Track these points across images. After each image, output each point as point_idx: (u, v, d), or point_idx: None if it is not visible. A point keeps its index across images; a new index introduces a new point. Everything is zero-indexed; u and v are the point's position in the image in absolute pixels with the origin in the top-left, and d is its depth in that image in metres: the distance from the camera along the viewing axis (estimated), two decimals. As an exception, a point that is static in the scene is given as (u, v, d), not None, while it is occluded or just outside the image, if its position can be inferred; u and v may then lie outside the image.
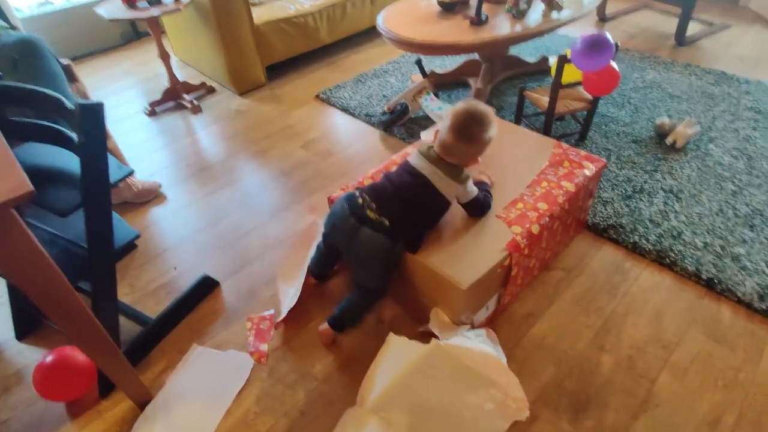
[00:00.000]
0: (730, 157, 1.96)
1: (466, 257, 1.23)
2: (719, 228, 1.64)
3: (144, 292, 1.60)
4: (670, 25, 3.10)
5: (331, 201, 1.50)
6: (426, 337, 1.31)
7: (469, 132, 1.21)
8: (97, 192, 1.10)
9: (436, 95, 2.30)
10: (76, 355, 1.27)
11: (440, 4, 2.27)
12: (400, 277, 1.35)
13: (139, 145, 2.35)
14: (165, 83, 2.65)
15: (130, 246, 1.35)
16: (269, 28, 2.63)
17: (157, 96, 2.62)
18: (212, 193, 2.01)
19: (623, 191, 1.82)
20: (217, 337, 1.44)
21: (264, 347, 1.39)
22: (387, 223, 1.21)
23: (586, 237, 1.68)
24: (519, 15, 2.16)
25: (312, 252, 1.57)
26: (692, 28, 2.97)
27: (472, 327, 1.30)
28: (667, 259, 1.54)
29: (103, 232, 1.14)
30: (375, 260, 1.24)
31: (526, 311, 1.45)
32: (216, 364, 1.37)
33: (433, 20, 2.20)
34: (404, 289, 1.39)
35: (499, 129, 1.69)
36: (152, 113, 2.57)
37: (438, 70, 2.63)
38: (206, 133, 2.41)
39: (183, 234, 1.82)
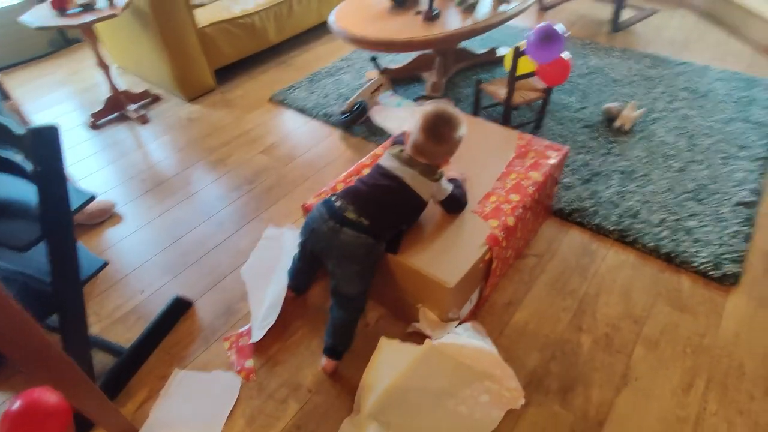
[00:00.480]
0: (673, 136, 2.10)
1: (449, 255, 1.25)
2: (671, 204, 1.76)
3: (111, 320, 1.51)
4: (605, 11, 3.27)
5: (305, 209, 1.47)
6: (415, 336, 1.33)
7: (440, 132, 1.25)
8: (59, 222, 1.03)
9: (394, 91, 2.30)
10: (46, 397, 1.18)
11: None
12: (384, 278, 1.35)
13: (85, 161, 2.19)
14: (105, 93, 2.48)
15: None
16: (214, 30, 2.53)
17: (98, 107, 2.45)
18: (172, 208, 1.91)
19: (582, 175, 1.91)
20: (198, 358, 1.39)
21: (250, 363, 1.35)
22: (367, 222, 1.21)
23: (553, 222, 1.75)
24: (468, 9, 2.19)
25: (283, 265, 1.55)
26: (625, 14, 3.14)
27: (460, 322, 1.33)
28: (629, 238, 1.64)
29: (68, 264, 1.06)
30: (357, 259, 1.22)
31: (506, 300, 1.49)
32: (201, 386, 1.32)
33: (385, 17, 2.19)
34: (388, 291, 1.39)
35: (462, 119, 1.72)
36: (95, 126, 2.40)
37: (392, 66, 2.63)
38: (158, 144, 2.29)
39: (146, 254, 1.72)
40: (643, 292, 1.49)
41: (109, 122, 2.46)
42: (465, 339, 1.21)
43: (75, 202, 1.07)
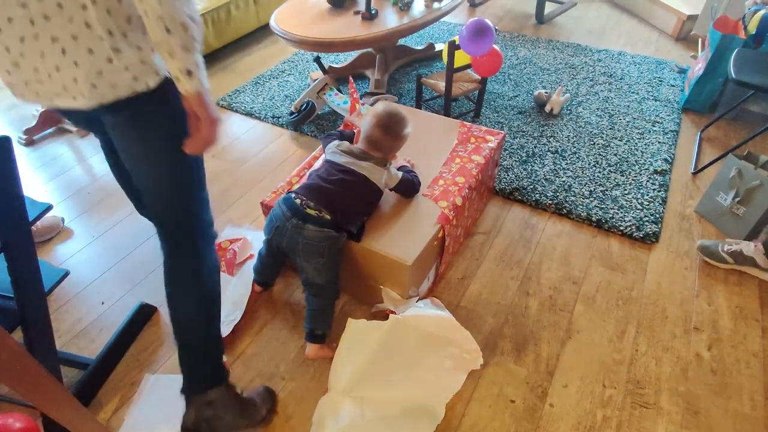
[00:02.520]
0: (596, 116, 2.32)
1: (405, 236, 1.35)
2: (598, 177, 1.95)
3: (72, 334, 1.49)
4: (530, 5, 3.49)
5: (264, 206, 1.52)
6: (380, 315, 1.42)
7: (395, 128, 1.41)
8: (18, 234, 1.02)
9: (339, 90, 2.37)
10: (11, 423, 1.17)
11: (329, 1, 2.34)
12: (346, 264, 1.42)
13: (24, 179, 2.10)
14: (38, 108, 2.38)
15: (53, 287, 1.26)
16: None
17: (31, 122, 2.35)
18: (125, 218, 1.89)
19: (519, 157, 2.07)
20: (169, 361, 1.41)
21: (223, 358, 1.39)
22: (329, 217, 1.28)
23: (496, 201, 1.89)
24: (405, 7, 2.30)
25: (244, 264, 1.60)
26: (547, 8, 3.38)
27: (420, 298, 1.43)
28: (564, 210, 1.81)
29: (30, 276, 1.06)
30: (322, 252, 1.30)
31: (460, 275, 1.61)
32: (175, 388, 1.33)
33: (325, 18, 2.26)
34: (351, 276, 1.47)
35: (408, 117, 1.84)
36: (30, 142, 2.31)
37: (335, 65, 2.70)
38: (102, 156, 2.23)
39: (102, 266, 1.70)
40: (579, 256, 1.65)
41: (46, 137, 2.36)
42: (426, 310, 1.31)
43: (33, 213, 1.07)
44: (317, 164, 1.59)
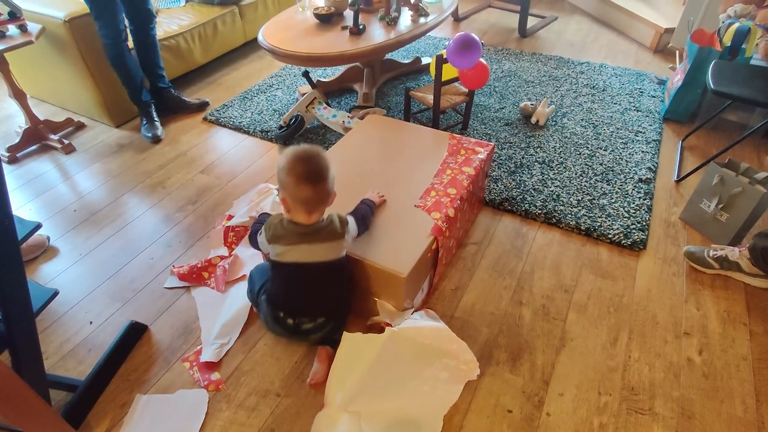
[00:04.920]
0: (581, 127, 2.37)
1: (399, 248, 1.35)
2: (585, 186, 1.99)
3: (60, 355, 1.45)
4: (512, 20, 3.58)
5: (226, 230, 1.62)
6: (376, 328, 1.42)
7: (317, 171, 1.16)
8: (6, 253, 1.00)
9: (328, 104, 2.39)
10: None
11: (317, 16, 2.36)
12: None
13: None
14: (21, 124, 2.35)
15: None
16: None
17: (14, 140, 2.31)
18: (113, 235, 1.86)
19: (508, 168, 2.10)
20: (161, 381, 1.38)
21: (216, 376, 1.37)
22: (323, 319, 1.32)
23: (487, 212, 1.91)
24: (392, 22, 2.34)
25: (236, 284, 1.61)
26: (530, 22, 3.46)
27: (414, 310, 1.43)
28: (553, 219, 1.83)
29: (19, 296, 1.04)
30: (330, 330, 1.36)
31: (453, 286, 1.62)
32: (167, 408, 1.31)
33: (313, 32, 2.28)
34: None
35: (397, 129, 1.86)
36: (14, 160, 2.27)
37: (324, 79, 2.72)
38: (89, 173, 2.20)
39: (90, 285, 1.67)
40: (570, 265, 1.67)
41: (30, 155, 2.33)
42: (422, 322, 1.31)
43: (22, 231, 1.05)
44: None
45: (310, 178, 1.14)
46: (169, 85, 2.58)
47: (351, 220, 1.31)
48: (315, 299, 1.31)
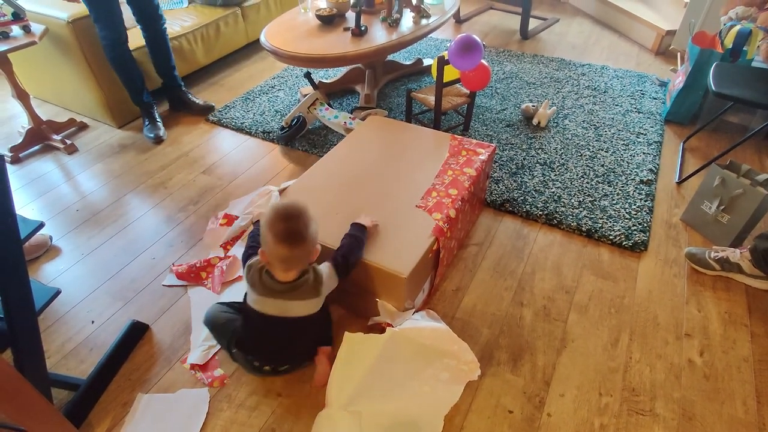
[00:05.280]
0: (582, 128, 2.37)
1: (400, 248, 1.35)
2: (586, 187, 1.99)
3: (62, 354, 1.46)
4: (514, 22, 3.58)
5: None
6: (377, 329, 1.42)
7: (296, 232, 1.13)
8: (9, 252, 1.01)
9: (329, 105, 2.39)
10: None
11: (319, 17, 2.37)
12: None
13: (9, 197, 2.07)
14: (24, 125, 2.36)
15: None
16: (141, 55, 2.48)
17: (17, 140, 2.32)
18: (115, 235, 1.87)
19: (509, 169, 2.10)
20: (162, 380, 1.38)
21: (219, 372, 1.37)
22: (284, 367, 1.34)
23: (488, 213, 1.91)
24: (393, 24, 2.34)
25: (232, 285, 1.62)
26: (531, 24, 3.46)
27: (415, 311, 1.43)
28: (555, 220, 1.84)
29: (22, 295, 1.04)
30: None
31: (454, 287, 1.62)
32: (168, 407, 1.31)
33: (315, 34, 2.29)
34: (346, 290, 1.46)
35: (398, 130, 1.86)
36: (16, 160, 2.28)
37: (325, 80, 2.73)
38: (91, 173, 2.21)
39: (92, 285, 1.67)
40: (571, 266, 1.68)
41: (32, 155, 2.34)
42: (423, 322, 1.31)
43: (24, 230, 1.05)
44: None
45: (288, 239, 1.12)
46: (182, 83, 2.60)
47: (326, 272, 1.25)
48: (292, 348, 1.31)
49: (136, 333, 1.49)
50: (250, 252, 1.32)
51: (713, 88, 1.83)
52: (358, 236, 1.33)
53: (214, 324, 1.41)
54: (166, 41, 2.43)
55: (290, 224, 1.13)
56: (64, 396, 1.34)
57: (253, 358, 1.31)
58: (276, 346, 1.30)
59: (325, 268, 1.27)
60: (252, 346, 1.31)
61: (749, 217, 1.60)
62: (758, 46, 2.17)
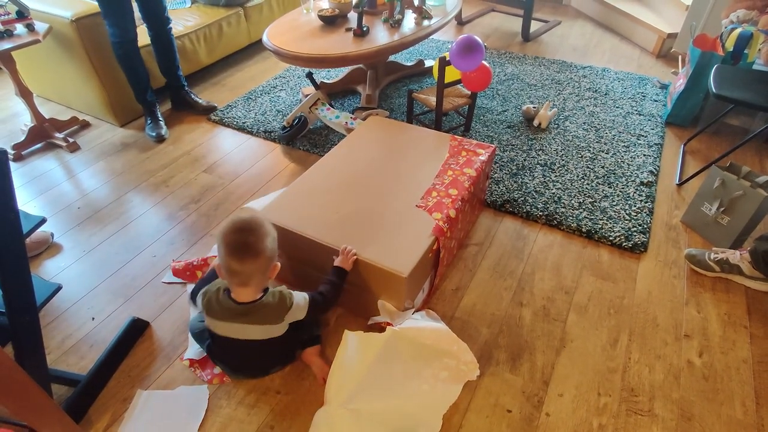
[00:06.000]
0: (583, 130, 2.37)
1: (400, 248, 1.36)
2: (586, 189, 1.99)
3: (62, 350, 1.46)
4: (516, 24, 3.59)
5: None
6: (376, 328, 1.42)
7: (248, 246, 1.11)
8: (11, 247, 1.01)
9: (331, 105, 2.40)
10: None
11: (321, 18, 2.38)
12: (341, 277, 1.43)
13: (11, 194, 2.08)
14: (26, 123, 2.37)
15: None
16: (145, 54, 2.49)
17: (20, 138, 2.33)
18: (116, 232, 1.87)
19: (509, 170, 2.11)
20: (162, 377, 1.38)
21: (218, 369, 1.38)
22: (280, 366, 1.36)
23: (488, 213, 1.92)
24: (395, 24, 2.35)
25: None
26: (533, 26, 3.47)
27: (415, 310, 1.43)
28: (555, 221, 1.84)
29: (23, 290, 1.05)
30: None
31: (454, 287, 1.62)
32: (168, 404, 1.32)
33: (318, 34, 2.30)
34: (346, 289, 1.46)
35: (399, 130, 1.86)
36: (19, 157, 2.29)
37: (327, 81, 2.74)
38: (93, 171, 2.22)
39: (92, 281, 1.68)
40: (570, 267, 1.68)
41: (35, 153, 2.34)
42: (423, 322, 1.32)
43: (26, 226, 1.06)
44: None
45: (238, 252, 1.09)
46: (185, 83, 2.61)
47: (300, 303, 1.23)
48: (259, 362, 1.32)
49: (137, 330, 1.49)
50: (199, 285, 1.33)
51: (714, 90, 1.84)
52: (339, 284, 1.31)
53: (192, 332, 1.43)
54: (171, 42, 2.45)
55: (242, 236, 1.10)
56: (64, 392, 1.34)
57: (229, 371, 1.34)
58: (241, 362, 1.32)
59: (301, 299, 1.24)
60: (220, 360, 1.34)
61: (749, 218, 1.60)
62: (759, 49, 2.17)
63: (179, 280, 1.65)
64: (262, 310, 1.19)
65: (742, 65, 2.10)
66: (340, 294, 1.33)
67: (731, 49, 2.10)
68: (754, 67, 2.17)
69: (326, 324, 1.50)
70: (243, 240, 1.10)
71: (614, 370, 1.36)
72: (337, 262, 1.33)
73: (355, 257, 1.33)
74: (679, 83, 2.38)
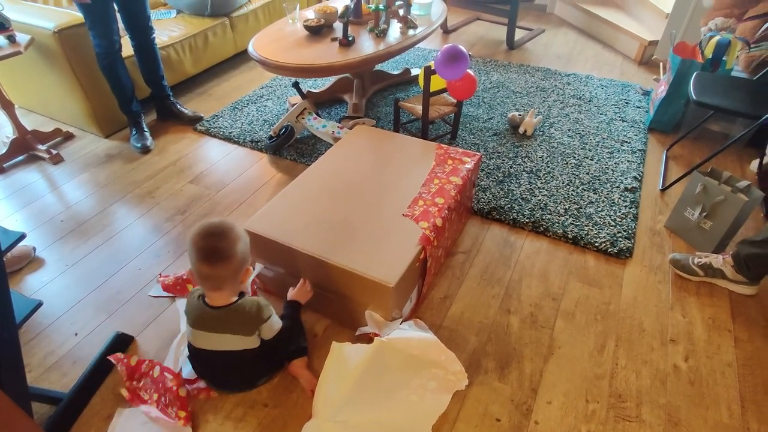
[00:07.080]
0: (568, 137, 2.40)
1: (387, 257, 1.35)
2: (572, 195, 2.01)
3: (44, 368, 1.43)
4: (500, 32, 3.63)
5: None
6: (364, 339, 1.41)
7: (217, 250, 1.12)
8: (-11, 264, 0.99)
9: (318, 114, 2.40)
10: None
11: (307, 28, 2.39)
12: (326, 287, 1.42)
13: (-8, 208, 2.05)
14: (8, 135, 2.34)
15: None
16: (129, 64, 2.48)
17: (1, 150, 2.30)
18: (101, 245, 1.85)
19: (496, 177, 2.12)
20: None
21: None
22: (265, 378, 1.34)
23: (475, 221, 1.93)
24: (381, 34, 2.37)
25: None
26: (517, 34, 3.52)
27: (403, 320, 1.43)
28: (541, 228, 1.85)
29: (1, 307, 1.02)
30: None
31: (442, 295, 1.62)
32: (150, 421, 1.29)
33: (303, 44, 2.30)
34: (332, 299, 1.46)
35: (385, 139, 1.87)
36: (0, 170, 2.25)
37: (313, 90, 2.74)
38: (76, 183, 2.19)
39: (75, 296, 1.65)
40: (557, 273, 1.69)
41: (17, 165, 2.31)
42: (410, 333, 1.31)
43: (3, 242, 1.04)
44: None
45: (207, 257, 1.10)
46: (170, 93, 2.59)
47: (274, 325, 1.25)
48: (243, 376, 1.31)
49: (121, 345, 1.47)
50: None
51: (694, 97, 1.87)
52: (296, 318, 1.36)
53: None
54: (155, 51, 2.44)
55: (211, 241, 1.11)
56: (46, 410, 1.31)
57: (210, 385, 1.33)
58: (223, 378, 1.31)
59: (277, 320, 1.27)
60: (202, 376, 1.33)
61: (731, 223, 1.63)
62: (737, 56, 2.22)
63: (166, 294, 1.63)
64: (236, 316, 1.19)
65: (721, 72, 2.15)
66: (301, 328, 1.36)
67: (710, 57, 2.15)
68: (733, 73, 2.22)
69: (314, 335, 1.49)
70: (212, 245, 1.11)
71: (602, 377, 1.37)
72: (290, 295, 1.34)
73: (311, 294, 1.38)
74: (660, 90, 2.42)
